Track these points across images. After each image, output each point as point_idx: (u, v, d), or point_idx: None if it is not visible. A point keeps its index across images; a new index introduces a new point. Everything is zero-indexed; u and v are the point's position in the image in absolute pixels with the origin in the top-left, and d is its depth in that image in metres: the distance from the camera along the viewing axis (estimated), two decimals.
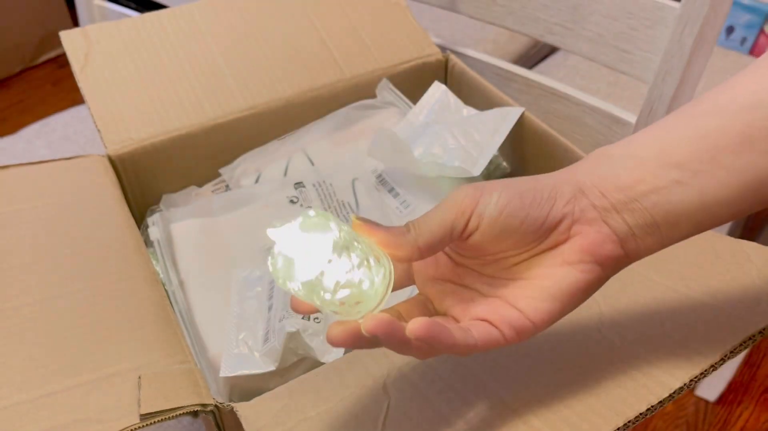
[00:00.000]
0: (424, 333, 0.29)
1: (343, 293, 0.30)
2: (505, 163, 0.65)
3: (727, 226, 0.77)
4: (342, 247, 0.30)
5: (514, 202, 0.31)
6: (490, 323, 0.32)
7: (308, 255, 0.30)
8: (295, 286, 0.31)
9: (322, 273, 0.30)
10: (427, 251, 0.31)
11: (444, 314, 0.35)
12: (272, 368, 0.47)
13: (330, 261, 0.30)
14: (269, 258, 0.31)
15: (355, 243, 0.31)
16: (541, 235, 0.32)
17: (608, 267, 0.32)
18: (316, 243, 0.30)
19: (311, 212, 0.31)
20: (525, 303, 0.32)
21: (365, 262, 0.31)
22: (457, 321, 0.34)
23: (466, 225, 0.31)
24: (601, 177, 0.32)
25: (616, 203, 0.32)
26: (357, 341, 0.31)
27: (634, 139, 0.33)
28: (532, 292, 0.32)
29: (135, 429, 0.37)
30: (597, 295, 0.43)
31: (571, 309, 0.33)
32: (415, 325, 0.29)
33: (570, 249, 0.32)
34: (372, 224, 0.32)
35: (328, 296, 0.30)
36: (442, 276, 0.35)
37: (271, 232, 0.31)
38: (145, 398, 0.38)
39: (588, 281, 0.32)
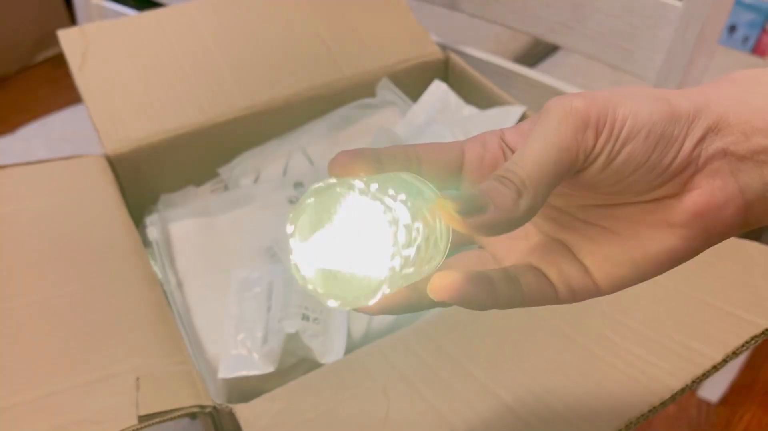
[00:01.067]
0: (449, 295, 0.23)
1: (410, 268, 0.23)
2: None
3: None
4: (393, 222, 0.22)
5: (636, 145, 0.23)
6: (545, 276, 0.25)
7: (357, 261, 0.22)
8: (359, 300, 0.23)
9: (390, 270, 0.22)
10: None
11: (482, 246, 0.28)
12: (271, 369, 0.47)
13: (394, 251, 0.22)
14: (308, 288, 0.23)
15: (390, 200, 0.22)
16: (651, 188, 0.24)
17: (716, 236, 0.24)
18: (359, 239, 0.22)
19: (310, 200, 0.23)
20: (595, 262, 0.25)
21: (420, 220, 0.23)
22: (499, 260, 0.27)
23: (571, 167, 0.23)
24: (754, 110, 0.23)
25: (762, 151, 0.23)
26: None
27: None
28: (608, 250, 0.25)
29: (133, 430, 0.36)
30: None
31: (648, 279, 0.25)
32: (441, 284, 0.23)
33: (679, 208, 0.24)
34: (472, 210, 0.21)
35: (402, 277, 0.23)
36: None
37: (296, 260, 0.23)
38: (143, 399, 0.38)
39: (684, 251, 0.24)
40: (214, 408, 0.39)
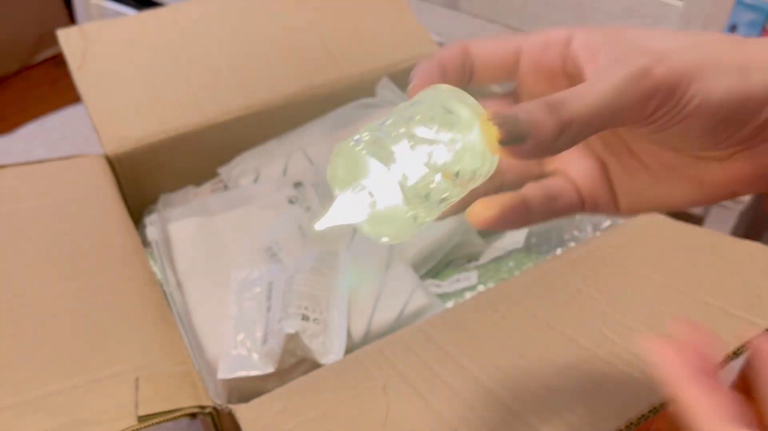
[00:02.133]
0: (489, 226, 0.25)
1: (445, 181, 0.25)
2: None
3: (730, 226, 0.76)
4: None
5: (698, 122, 0.23)
6: (577, 190, 0.27)
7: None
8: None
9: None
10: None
11: None
12: (271, 370, 0.47)
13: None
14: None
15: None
16: (700, 150, 0.25)
17: (734, 198, 0.27)
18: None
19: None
20: (623, 192, 0.27)
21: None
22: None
23: (622, 125, 0.23)
24: None
25: None
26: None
27: None
28: (638, 186, 0.26)
29: (133, 430, 0.36)
30: (599, 295, 0.43)
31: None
32: (481, 216, 0.25)
33: (718, 173, 0.25)
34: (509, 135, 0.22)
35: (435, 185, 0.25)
36: None
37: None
38: (143, 400, 0.38)
39: (700, 204, 0.26)
40: (214, 408, 0.39)
